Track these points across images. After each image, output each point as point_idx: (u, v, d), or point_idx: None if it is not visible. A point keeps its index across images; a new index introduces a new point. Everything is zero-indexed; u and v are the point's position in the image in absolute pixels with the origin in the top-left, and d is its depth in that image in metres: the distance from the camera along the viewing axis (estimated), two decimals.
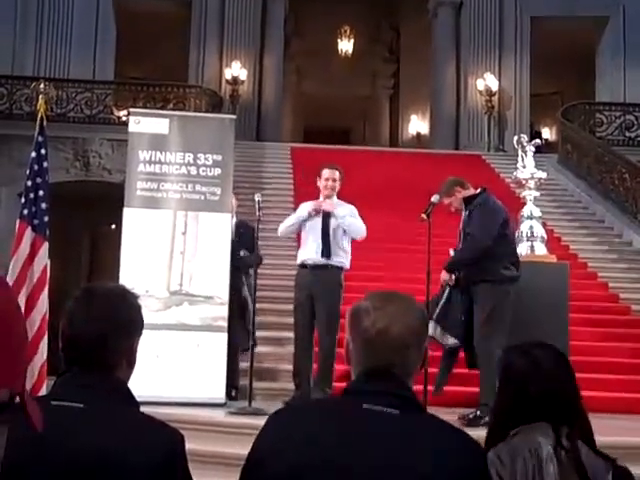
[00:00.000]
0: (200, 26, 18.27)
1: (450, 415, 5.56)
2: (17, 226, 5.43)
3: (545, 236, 7.14)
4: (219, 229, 6.57)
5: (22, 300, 5.22)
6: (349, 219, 6.26)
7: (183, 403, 5.94)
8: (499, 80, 18.18)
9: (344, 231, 6.26)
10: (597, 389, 6.75)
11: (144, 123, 6.66)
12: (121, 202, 6.60)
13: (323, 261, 6.16)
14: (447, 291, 5.82)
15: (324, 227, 6.21)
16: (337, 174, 6.35)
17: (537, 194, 7.24)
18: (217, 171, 6.65)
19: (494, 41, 18.41)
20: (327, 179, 6.34)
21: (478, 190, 6.00)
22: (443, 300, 5.79)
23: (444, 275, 5.85)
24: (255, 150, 15.18)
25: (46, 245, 5.42)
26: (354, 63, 22.92)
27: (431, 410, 5.47)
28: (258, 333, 6.27)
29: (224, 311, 6.41)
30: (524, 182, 7.24)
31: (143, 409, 1.75)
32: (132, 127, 6.67)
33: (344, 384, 1.78)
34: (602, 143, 14.93)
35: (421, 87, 21.28)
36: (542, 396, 2.13)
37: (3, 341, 1.06)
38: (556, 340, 6.20)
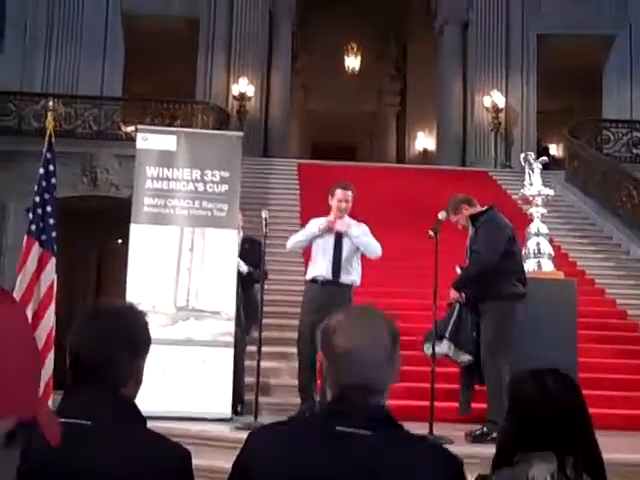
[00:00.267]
0: (207, 43, 18.38)
1: (457, 432, 5.55)
2: (25, 241, 5.45)
3: (552, 253, 7.13)
4: (226, 245, 6.57)
5: (28, 315, 5.23)
6: (364, 238, 6.24)
7: (189, 418, 5.94)
8: (506, 97, 18.22)
9: (356, 249, 6.25)
10: (606, 406, 6.71)
11: (152, 140, 6.68)
12: (128, 217, 6.61)
13: (333, 279, 6.16)
14: (457, 308, 5.81)
15: (336, 247, 6.19)
16: (350, 195, 6.31)
17: (544, 211, 7.23)
18: (224, 187, 6.66)
19: (501, 58, 18.47)
20: (340, 200, 6.28)
21: (485, 207, 6.00)
22: (454, 317, 5.77)
23: (453, 294, 5.84)
24: (262, 166, 15.22)
25: (53, 260, 5.44)
26: (361, 80, 23.01)
27: (439, 426, 5.46)
28: (264, 348, 6.26)
29: (231, 326, 6.41)
30: (531, 199, 7.23)
31: (149, 424, 1.74)
32: (140, 144, 6.70)
33: None
34: (609, 160, 14.93)
35: (428, 104, 21.34)
36: (548, 422, 2.09)
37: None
38: (564, 357, 6.27)
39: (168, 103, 16.05)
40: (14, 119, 14.90)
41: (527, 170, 7.32)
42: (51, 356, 5.19)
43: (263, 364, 6.23)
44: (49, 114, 6.18)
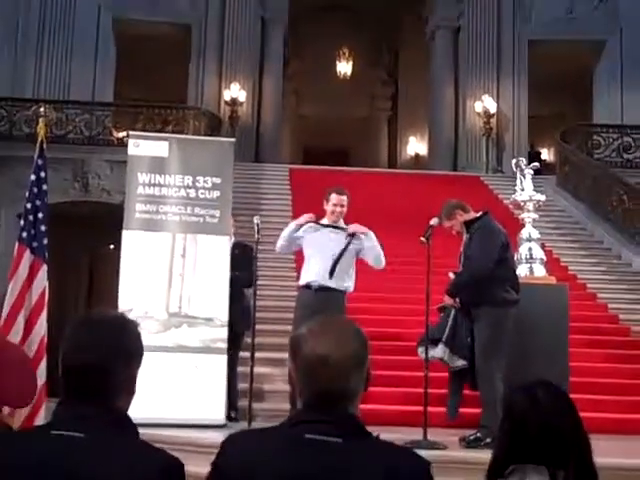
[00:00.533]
0: (199, 48, 18.39)
1: (451, 437, 5.56)
2: (16, 248, 5.43)
3: (544, 258, 7.14)
4: (218, 251, 6.57)
5: (20, 323, 5.21)
6: (378, 248, 6.23)
7: (183, 425, 5.93)
8: (497, 102, 18.28)
9: (354, 255, 6.24)
10: (597, 410, 6.72)
11: (143, 146, 6.67)
12: (120, 223, 6.60)
13: (328, 284, 6.15)
14: (453, 314, 5.81)
15: (339, 252, 6.17)
16: (345, 200, 6.30)
17: (536, 216, 7.24)
18: (216, 194, 6.66)
19: (492, 64, 18.53)
20: (335, 205, 6.26)
21: (479, 213, 6.01)
22: (450, 322, 5.78)
23: (447, 299, 5.85)
24: (254, 171, 15.23)
25: (45, 268, 5.42)
26: (353, 85, 23.05)
27: (433, 431, 5.46)
28: (257, 354, 6.26)
29: (223, 333, 6.40)
30: (522, 204, 7.25)
31: (142, 431, 1.74)
32: (131, 150, 6.69)
33: None
34: (600, 165, 14.99)
35: (419, 109, 21.40)
36: (539, 435, 2.08)
37: None
38: (556, 361, 6.29)
39: (160, 108, 16.03)
40: (5, 124, 14.87)
41: (518, 175, 7.33)
42: (44, 364, 5.17)
43: (256, 370, 6.22)
44: (40, 120, 6.14)
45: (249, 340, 6.35)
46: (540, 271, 7.02)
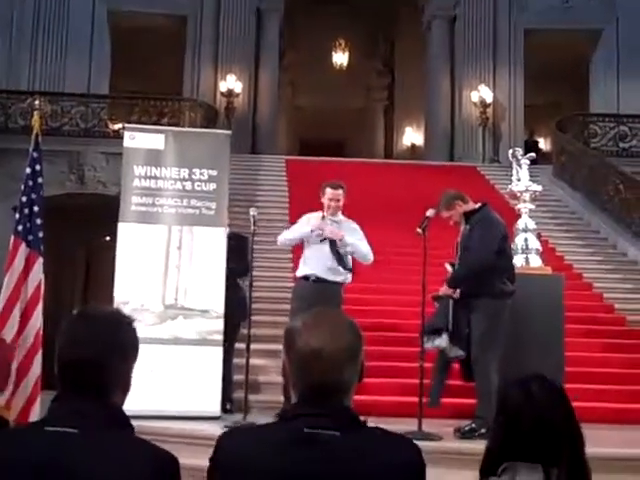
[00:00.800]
0: (195, 39, 18.34)
1: (446, 427, 5.57)
2: (11, 242, 5.42)
3: (540, 248, 7.15)
4: (214, 243, 6.57)
5: (16, 316, 5.21)
6: (357, 245, 6.27)
7: (178, 417, 5.94)
8: (493, 92, 18.26)
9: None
10: (593, 400, 6.75)
11: (139, 138, 6.67)
12: (116, 215, 6.60)
13: (325, 277, 6.18)
14: (452, 304, 5.82)
15: (331, 251, 6.21)
16: (340, 194, 6.33)
17: (532, 207, 7.24)
18: (212, 186, 6.66)
19: (488, 53, 18.51)
20: (330, 199, 6.31)
21: (478, 205, 6.00)
22: (451, 312, 5.79)
23: (445, 290, 5.84)
24: (250, 163, 15.22)
25: (40, 260, 5.41)
26: (349, 76, 23.01)
27: (428, 422, 5.46)
28: (253, 346, 6.26)
29: (219, 325, 6.42)
30: (519, 195, 7.25)
31: (138, 423, 1.75)
32: (127, 142, 6.68)
33: None
34: (597, 154, 14.98)
35: (415, 99, 21.37)
36: (533, 430, 2.08)
37: None
38: (552, 351, 6.31)
39: (156, 100, 15.99)
40: (0, 117, 14.83)
41: (515, 166, 7.33)
42: (39, 356, 5.18)
43: (251, 361, 6.23)
44: (35, 113, 6.12)
45: (245, 331, 6.36)
46: (536, 261, 7.03)
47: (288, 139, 23.15)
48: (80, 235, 14.92)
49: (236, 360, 6.74)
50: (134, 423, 1.75)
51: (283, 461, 1.61)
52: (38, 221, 5.51)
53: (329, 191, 6.32)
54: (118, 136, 11.79)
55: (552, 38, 18.01)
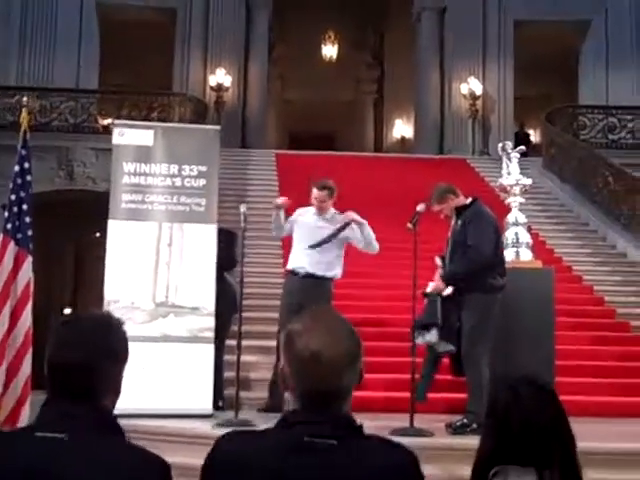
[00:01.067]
0: (184, 33, 18.26)
1: (438, 423, 5.59)
2: (0, 240, 5.41)
3: (530, 242, 7.15)
4: (204, 240, 6.55)
5: (6, 315, 5.20)
6: (368, 239, 6.38)
7: (170, 415, 5.93)
8: (483, 84, 18.25)
9: (342, 242, 6.30)
10: (583, 393, 6.79)
11: (128, 135, 6.64)
12: (106, 211, 6.58)
13: (314, 272, 6.18)
14: (440, 299, 5.81)
15: (327, 237, 6.23)
16: (325, 194, 6.41)
17: (522, 200, 7.24)
18: (202, 182, 6.64)
19: (477, 45, 18.48)
20: (315, 198, 6.44)
21: (470, 199, 6.00)
22: (439, 308, 5.78)
23: (436, 286, 5.83)
24: (240, 157, 15.18)
25: (30, 259, 5.41)
26: (338, 68, 22.96)
27: (420, 417, 5.46)
28: (244, 342, 6.25)
29: (210, 322, 6.41)
30: (509, 188, 7.25)
31: (130, 422, 1.75)
32: (116, 139, 6.65)
33: None
34: (586, 146, 15.00)
35: (405, 91, 21.34)
36: (522, 432, 2.08)
37: None
38: (542, 345, 6.32)
39: (145, 95, 15.94)
40: None
41: (505, 159, 7.33)
42: (29, 356, 5.16)
43: (242, 358, 6.22)
44: (23, 110, 6.10)
45: (236, 328, 6.34)
46: (526, 255, 7.04)
47: (277, 132, 23.11)
48: (69, 231, 14.88)
49: (227, 357, 6.73)
50: (125, 421, 1.74)
51: (282, 467, 1.61)
52: (27, 219, 5.50)
53: (314, 191, 6.45)
54: (108, 131, 11.72)
55: (542, 29, 18.01)
